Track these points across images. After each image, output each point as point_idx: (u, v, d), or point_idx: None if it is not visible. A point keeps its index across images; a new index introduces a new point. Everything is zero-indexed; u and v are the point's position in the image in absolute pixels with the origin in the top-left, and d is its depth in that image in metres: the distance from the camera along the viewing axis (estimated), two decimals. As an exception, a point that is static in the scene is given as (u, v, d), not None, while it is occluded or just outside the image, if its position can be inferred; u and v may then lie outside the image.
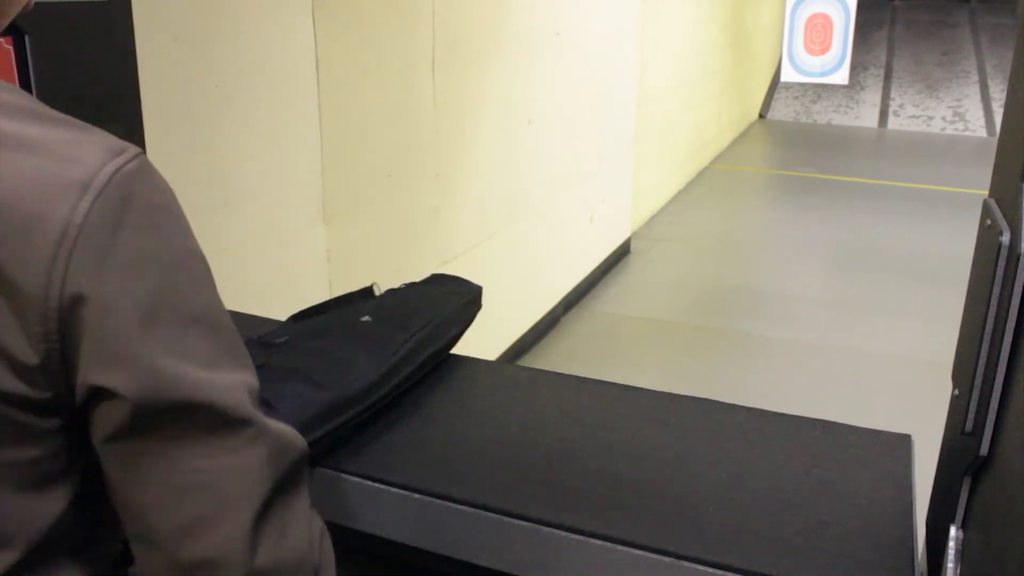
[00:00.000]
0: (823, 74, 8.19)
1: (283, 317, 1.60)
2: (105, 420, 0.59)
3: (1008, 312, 0.73)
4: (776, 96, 12.99)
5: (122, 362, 0.58)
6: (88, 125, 0.61)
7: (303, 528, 0.68)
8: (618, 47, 5.39)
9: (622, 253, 6.00)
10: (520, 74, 4.00)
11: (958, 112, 12.11)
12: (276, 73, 2.37)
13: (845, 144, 11.01)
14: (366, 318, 1.42)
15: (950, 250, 5.87)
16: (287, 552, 0.65)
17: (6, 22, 0.67)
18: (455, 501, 1.09)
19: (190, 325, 0.61)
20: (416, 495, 1.11)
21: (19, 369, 0.57)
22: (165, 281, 0.60)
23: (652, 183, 6.87)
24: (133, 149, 0.60)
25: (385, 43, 2.90)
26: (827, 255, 6.46)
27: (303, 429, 1.13)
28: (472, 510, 1.08)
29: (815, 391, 4.04)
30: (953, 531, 0.86)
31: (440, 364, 1.43)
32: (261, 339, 1.35)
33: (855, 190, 8.34)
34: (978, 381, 0.78)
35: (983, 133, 11.55)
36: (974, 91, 12.41)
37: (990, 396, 0.77)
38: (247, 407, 0.63)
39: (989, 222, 0.81)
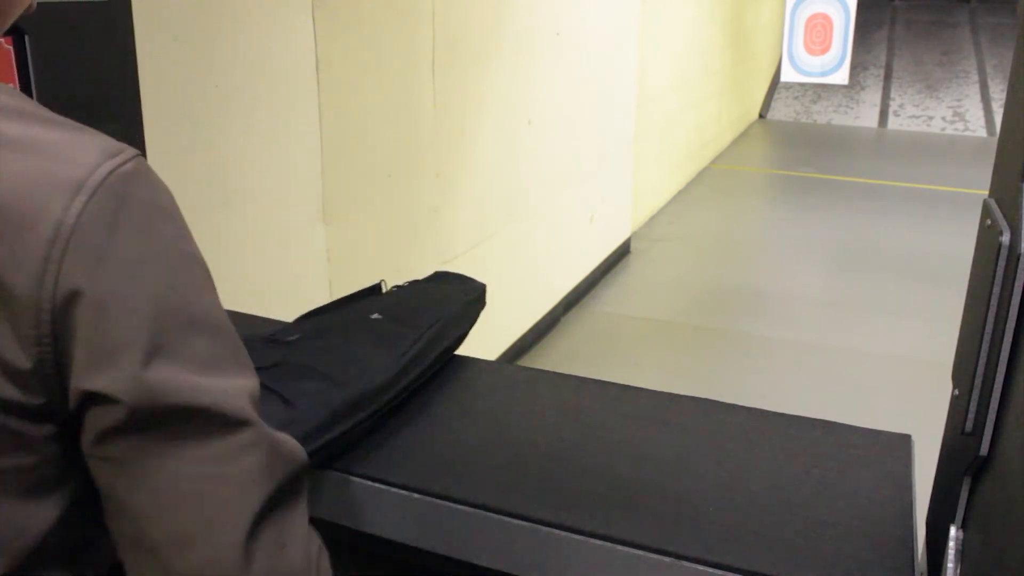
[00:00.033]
0: (823, 74, 8.19)
1: (283, 317, 1.60)
2: (97, 423, 0.58)
3: (1008, 312, 0.73)
4: (776, 96, 12.99)
5: (117, 365, 0.56)
6: (85, 127, 0.61)
7: (301, 544, 0.65)
8: (618, 47, 5.39)
9: (622, 253, 6.00)
10: (520, 74, 4.00)
11: (958, 112, 12.11)
12: (276, 73, 2.37)
13: (845, 144, 11.01)
14: (376, 315, 1.42)
15: (950, 250, 5.87)
16: (284, 568, 0.63)
17: (8, 23, 0.66)
18: (455, 501, 1.09)
19: (189, 328, 0.60)
20: (416, 495, 1.11)
21: (11, 374, 0.56)
22: (163, 283, 0.59)
23: (652, 183, 6.87)
24: (130, 151, 0.60)
25: (385, 43, 2.90)
26: (827, 255, 6.46)
27: (326, 426, 1.14)
28: (472, 510, 1.08)
29: (815, 391, 4.04)
30: (953, 531, 0.86)
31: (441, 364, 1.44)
32: (271, 337, 1.35)
33: (855, 190, 8.35)
34: (978, 381, 0.78)
35: (983, 133, 11.55)
36: (974, 91, 12.42)
37: (990, 396, 0.77)
38: (246, 411, 0.61)
39: (989, 222, 0.81)
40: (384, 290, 1.59)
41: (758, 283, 5.81)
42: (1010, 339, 0.74)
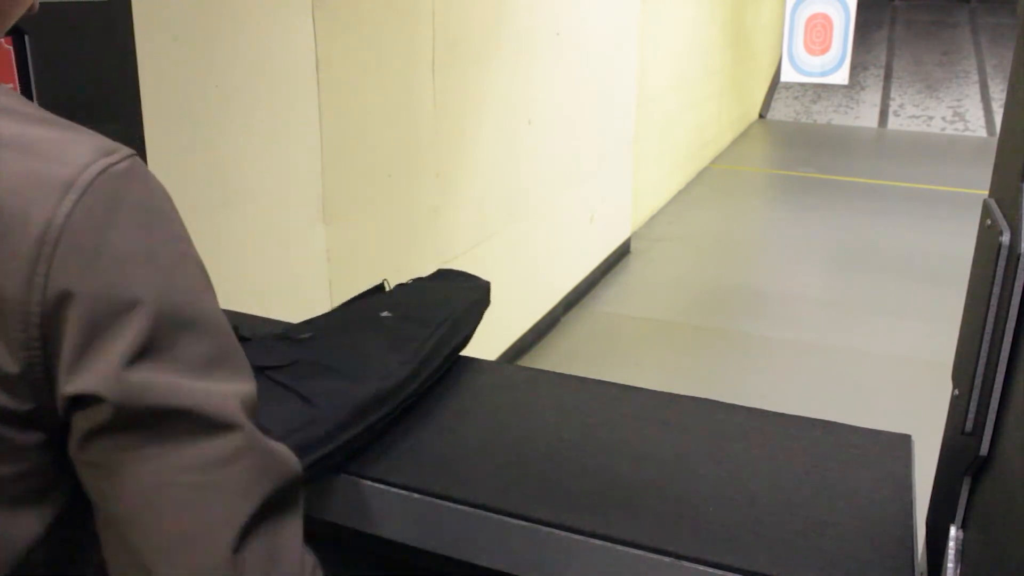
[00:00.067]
0: (823, 74, 8.19)
1: (283, 317, 1.60)
2: (83, 424, 0.56)
3: (1008, 312, 0.74)
4: (776, 96, 12.99)
5: (102, 364, 0.55)
6: (80, 126, 0.60)
7: (294, 559, 0.63)
8: (618, 47, 5.39)
9: (622, 253, 6.00)
10: (520, 74, 4.00)
11: (958, 112, 12.11)
12: (276, 73, 2.37)
13: (845, 144, 11.01)
14: (385, 313, 1.42)
15: (950, 250, 5.87)
16: None
17: (9, 24, 0.65)
18: (455, 501, 1.09)
19: (180, 329, 0.58)
20: (416, 495, 1.11)
21: None
22: (156, 283, 0.57)
23: (652, 183, 6.87)
24: (125, 150, 0.59)
25: (385, 43, 2.90)
26: (827, 255, 6.46)
27: (346, 424, 1.14)
28: (472, 510, 1.08)
29: (815, 391, 4.04)
30: (953, 531, 0.86)
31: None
32: (283, 335, 1.35)
33: (855, 190, 8.35)
34: (978, 381, 0.78)
35: (983, 133, 11.55)
36: (974, 91, 12.42)
37: (990, 396, 0.77)
38: (236, 415, 0.59)
39: (989, 222, 0.81)
40: (387, 289, 1.59)
41: (758, 283, 5.81)
42: (1010, 339, 0.74)
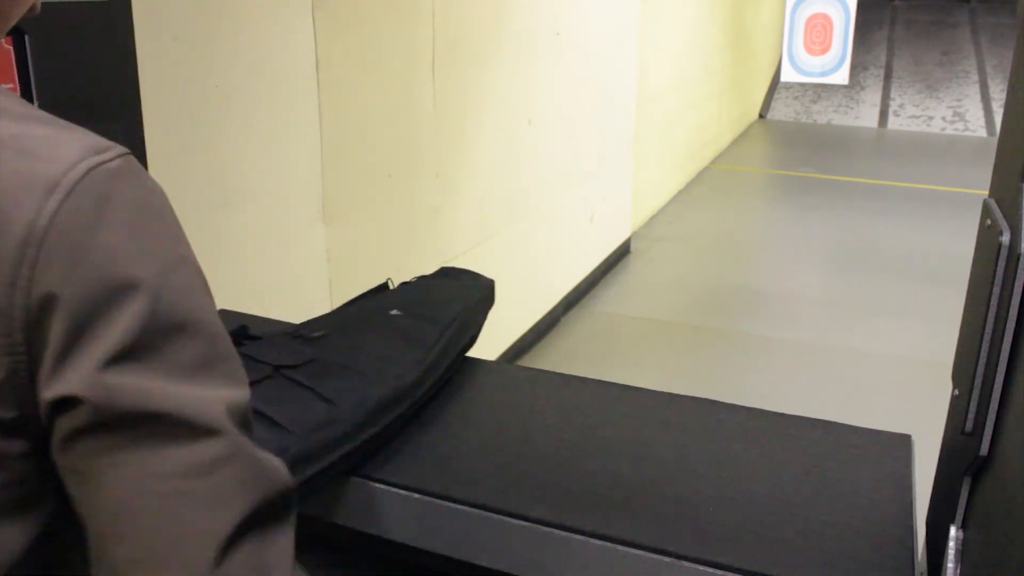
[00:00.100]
0: (823, 74, 8.19)
1: (283, 317, 1.60)
2: (63, 427, 0.54)
3: (1008, 312, 0.74)
4: (776, 96, 12.99)
5: (81, 364, 0.53)
6: (74, 125, 0.58)
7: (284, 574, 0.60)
8: (618, 47, 5.39)
9: (622, 253, 6.00)
10: (520, 74, 4.00)
11: (958, 112, 12.11)
12: (276, 73, 2.37)
13: (845, 144, 11.01)
14: (395, 312, 1.43)
15: (950, 250, 5.87)
16: None
17: (9, 25, 0.64)
18: (455, 501, 1.09)
19: (168, 332, 0.56)
20: (416, 495, 1.11)
21: None
22: (146, 284, 0.55)
23: (652, 183, 6.87)
24: (118, 149, 0.57)
25: (385, 43, 2.90)
26: (827, 255, 6.46)
27: (366, 423, 1.15)
28: (472, 510, 1.08)
29: (815, 391, 4.04)
30: (953, 531, 0.86)
31: (440, 364, 1.44)
32: (295, 333, 1.35)
33: (855, 190, 8.34)
34: (978, 381, 0.78)
35: (983, 133, 11.55)
36: (974, 91, 12.42)
37: (990, 396, 0.77)
38: (219, 420, 0.56)
39: (989, 222, 0.81)
40: (391, 287, 1.60)
41: (758, 283, 5.81)
42: (1010, 339, 0.74)
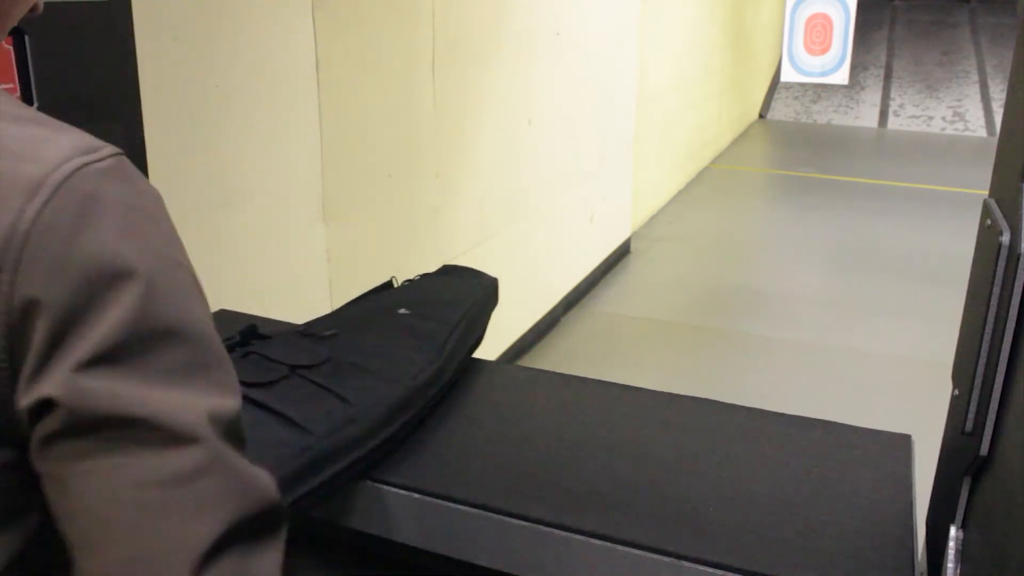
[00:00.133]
0: (823, 74, 8.19)
1: (283, 317, 1.60)
2: (41, 430, 0.52)
3: (1008, 312, 0.74)
4: (776, 96, 12.99)
5: (59, 367, 0.51)
6: (70, 127, 0.57)
7: None
8: (618, 47, 5.38)
9: (622, 253, 6.00)
10: (520, 74, 4.00)
11: (958, 112, 12.11)
12: (276, 73, 2.37)
13: (845, 144, 11.01)
14: (403, 311, 1.43)
15: (950, 250, 5.87)
16: None
17: (11, 25, 0.64)
18: (455, 501, 1.09)
19: (156, 336, 0.54)
20: (416, 495, 1.11)
21: None
22: (134, 286, 0.53)
23: (652, 183, 6.87)
24: (109, 149, 0.55)
25: (385, 43, 2.90)
26: (827, 255, 6.46)
27: (384, 422, 1.15)
28: (472, 510, 1.08)
29: (815, 391, 4.04)
30: (953, 531, 0.86)
31: (440, 364, 1.44)
32: (305, 331, 1.35)
33: (855, 190, 8.34)
34: (978, 381, 0.78)
35: (983, 133, 11.55)
36: (974, 91, 12.41)
37: (990, 396, 0.77)
38: (198, 428, 0.54)
39: (989, 222, 0.81)
40: (395, 286, 1.60)
41: (758, 283, 5.81)
42: (1010, 339, 0.74)
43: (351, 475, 1.11)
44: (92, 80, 1.40)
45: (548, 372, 1.51)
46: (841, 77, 8.20)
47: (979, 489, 0.82)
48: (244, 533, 0.55)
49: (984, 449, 0.78)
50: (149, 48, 1.77)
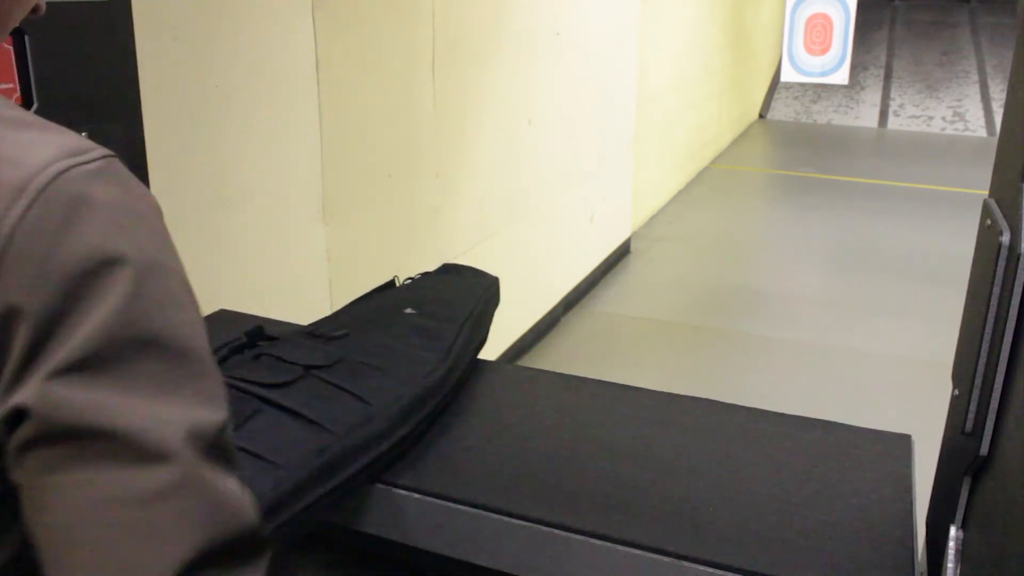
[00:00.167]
0: (823, 74, 8.19)
1: (283, 317, 1.60)
2: (15, 440, 0.50)
3: (1008, 312, 0.74)
4: (776, 96, 12.99)
5: (33, 376, 0.49)
6: (60, 128, 0.55)
7: None
8: (618, 47, 5.38)
9: (622, 253, 6.00)
10: (520, 74, 4.00)
11: (958, 112, 12.11)
12: (276, 73, 2.37)
13: (845, 144, 11.01)
14: (409, 310, 1.43)
15: (950, 250, 5.87)
16: None
17: (12, 25, 0.63)
18: (455, 501, 1.09)
19: (138, 345, 0.52)
20: (416, 495, 1.11)
21: None
22: (118, 291, 0.51)
23: (652, 183, 6.87)
24: (99, 151, 0.54)
25: (385, 43, 2.90)
26: (827, 255, 6.46)
27: (399, 421, 1.16)
28: (472, 510, 1.08)
29: (815, 391, 4.04)
30: (953, 531, 0.86)
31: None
32: (313, 332, 1.35)
33: (855, 190, 8.34)
34: (978, 381, 0.78)
35: (983, 133, 11.55)
36: (974, 91, 12.41)
37: (990, 396, 0.77)
38: (172, 444, 0.51)
39: (989, 222, 0.81)
40: (397, 285, 1.60)
41: (758, 283, 5.81)
42: (1010, 339, 0.74)
43: (367, 476, 1.11)
44: (92, 80, 1.40)
45: (548, 372, 1.51)
46: (841, 77, 8.20)
47: (979, 489, 0.82)
48: (217, 559, 0.52)
49: (984, 449, 0.78)
50: (149, 48, 1.77)
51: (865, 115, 12.42)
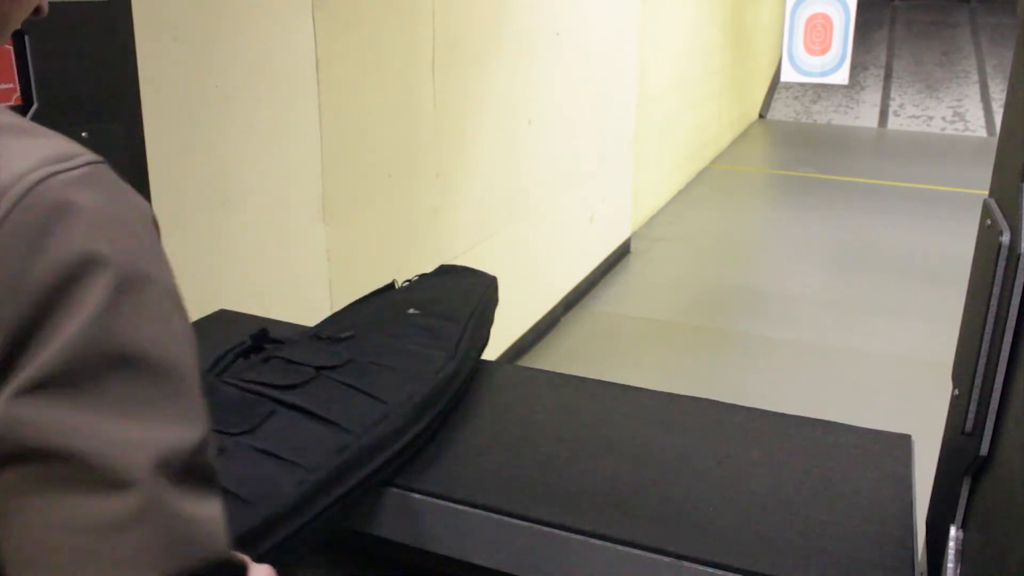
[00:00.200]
0: (823, 74, 8.19)
1: (283, 317, 1.60)
2: None
3: (1008, 312, 0.74)
4: (776, 96, 12.99)
5: (4, 392, 0.47)
6: (50, 133, 0.53)
7: None
8: (618, 47, 5.38)
9: (622, 253, 6.00)
10: (520, 74, 4.00)
11: (958, 112, 12.11)
12: (276, 73, 2.37)
13: (845, 144, 11.01)
14: (413, 310, 1.44)
15: (950, 250, 5.87)
16: None
17: (13, 27, 0.63)
18: (455, 501, 1.09)
19: (107, 363, 0.49)
20: (416, 495, 1.11)
21: None
22: (95, 303, 0.49)
23: (652, 183, 6.87)
24: (86, 157, 0.52)
25: (385, 43, 2.90)
26: (827, 255, 6.46)
27: (414, 419, 1.16)
28: (472, 510, 1.08)
29: (815, 391, 4.04)
30: (953, 531, 0.86)
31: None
32: (319, 334, 1.36)
33: (855, 190, 8.34)
34: (978, 381, 0.78)
35: (983, 133, 11.55)
36: (974, 91, 12.41)
37: (990, 396, 0.77)
38: (136, 471, 0.49)
39: (989, 222, 0.81)
40: (396, 287, 1.60)
41: (758, 283, 5.81)
42: (1010, 339, 0.74)
43: (383, 476, 1.12)
44: (92, 80, 1.40)
45: (548, 372, 1.51)
46: (841, 77, 8.20)
47: (979, 489, 0.83)
48: None
49: (984, 449, 0.78)
50: (149, 48, 1.77)
51: (865, 115, 12.42)
